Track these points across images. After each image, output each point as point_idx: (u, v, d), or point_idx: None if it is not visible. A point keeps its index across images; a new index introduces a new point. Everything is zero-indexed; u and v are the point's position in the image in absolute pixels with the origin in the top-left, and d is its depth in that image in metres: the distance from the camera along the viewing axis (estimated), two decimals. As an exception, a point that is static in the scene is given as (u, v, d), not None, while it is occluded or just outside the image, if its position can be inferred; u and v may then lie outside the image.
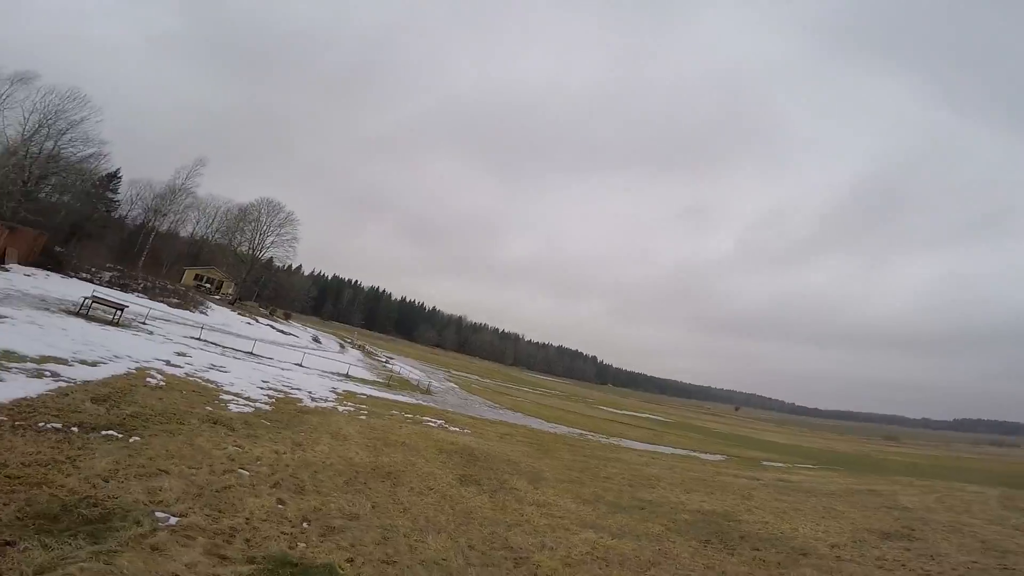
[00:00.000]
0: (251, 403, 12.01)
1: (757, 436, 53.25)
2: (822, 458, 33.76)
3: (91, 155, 36.92)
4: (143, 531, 4.50)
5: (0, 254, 22.65)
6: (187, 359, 15.73)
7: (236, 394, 12.59)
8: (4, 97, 31.13)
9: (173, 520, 4.95)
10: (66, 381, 9.20)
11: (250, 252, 58.65)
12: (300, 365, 22.77)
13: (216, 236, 63.07)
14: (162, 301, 30.33)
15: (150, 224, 51.31)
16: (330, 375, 22.48)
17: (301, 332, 47.84)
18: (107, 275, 30.69)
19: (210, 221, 63.35)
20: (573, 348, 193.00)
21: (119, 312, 18.31)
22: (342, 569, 4.58)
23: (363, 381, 23.54)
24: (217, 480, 6.35)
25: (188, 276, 57.39)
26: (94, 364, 11.31)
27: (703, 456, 23.84)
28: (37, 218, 29.81)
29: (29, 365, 9.52)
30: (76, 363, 10.87)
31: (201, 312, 32.12)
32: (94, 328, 15.96)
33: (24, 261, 24.11)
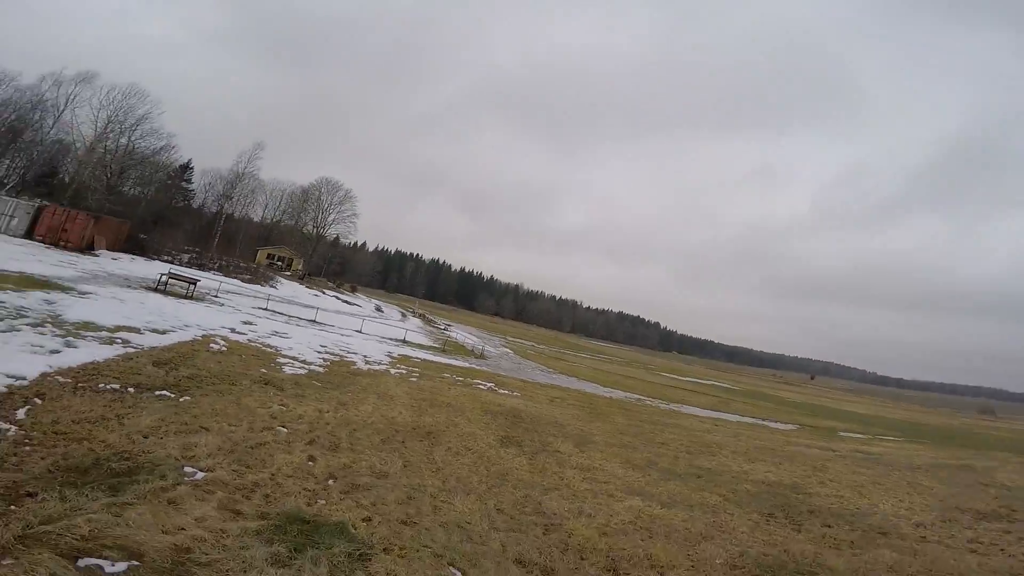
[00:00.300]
0: (306, 366, 12.41)
1: (834, 406, 49.77)
2: (907, 430, 30.84)
3: (162, 148, 40.02)
4: (165, 484, 4.53)
5: (89, 242, 25.03)
6: (252, 327, 16.61)
7: (293, 357, 13.08)
8: (72, 97, 33.87)
9: (200, 475, 4.98)
10: (134, 347, 9.82)
11: (315, 230, 61.46)
12: (360, 331, 23.58)
13: (284, 218, 66.64)
14: (235, 277, 32.56)
15: (222, 210, 54.90)
16: (388, 340, 23.12)
17: (365, 303, 49.92)
18: (186, 257, 33.29)
19: (277, 204, 66.90)
20: (634, 314, 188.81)
21: (192, 286, 19.66)
22: (355, 528, 4.39)
23: (419, 346, 24.04)
24: (254, 437, 6.43)
25: (261, 255, 61.63)
26: (163, 332, 12.06)
27: (773, 425, 22.38)
28: (120, 208, 32.74)
29: (103, 334, 10.25)
30: (147, 331, 11.63)
31: (271, 286, 34.16)
32: (169, 301, 17.23)
33: (111, 248, 26.57)
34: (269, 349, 13.49)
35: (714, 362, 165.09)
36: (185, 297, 18.79)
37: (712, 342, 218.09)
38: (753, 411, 27.93)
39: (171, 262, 29.64)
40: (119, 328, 11.04)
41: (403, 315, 49.18)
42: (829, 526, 7.22)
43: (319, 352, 15.01)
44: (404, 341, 24.23)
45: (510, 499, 6.06)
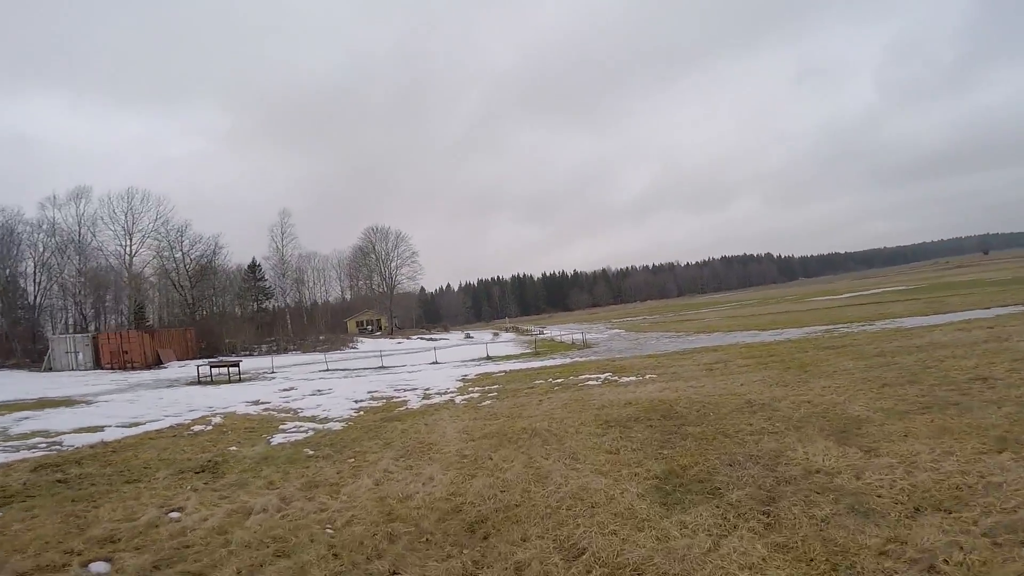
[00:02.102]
0: (319, 424, 8.29)
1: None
2: None
3: (214, 250, 39.29)
4: None
5: (155, 357, 23.89)
6: (288, 393, 13.00)
7: (309, 418, 9.06)
8: (82, 216, 32.86)
9: None
10: (55, 449, 6.90)
11: (383, 282, 60.16)
12: (434, 363, 19.45)
13: (361, 288, 66.44)
14: (314, 351, 30.65)
15: (299, 296, 54.93)
16: (468, 363, 18.67)
17: (454, 336, 46.87)
18: (264, 347, 32.07)
19: (349, 276, 66.98)
20: (740, 253, 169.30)
21: (234, 369, 16.80)
22: None
23: (506, 357, 19.28)
24: None
25: (351, 325, 61.59)
26: (137, 424, 8.84)
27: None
28: (201, 321, 32.09)
29: (34, 440, 7.56)
30: (113, 427, 8.83)
31: (351, 348, 32.00)
32: (198, 390, 14.40)
33: (182, 357, 25.43)
34: (282, 415, 9.52)
35: (856, 273, 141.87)
36: (227, 382, 15.91)
37: (840, 254, 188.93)
38: (991, 300, 19.20)
39: (249, 355, 28.19)
40: (77, 430, 8.47)
41: (495, 334, 45.09)
42: None
43: (359, 401, 10.80)
44: (487, 357, 19.63)
45: None
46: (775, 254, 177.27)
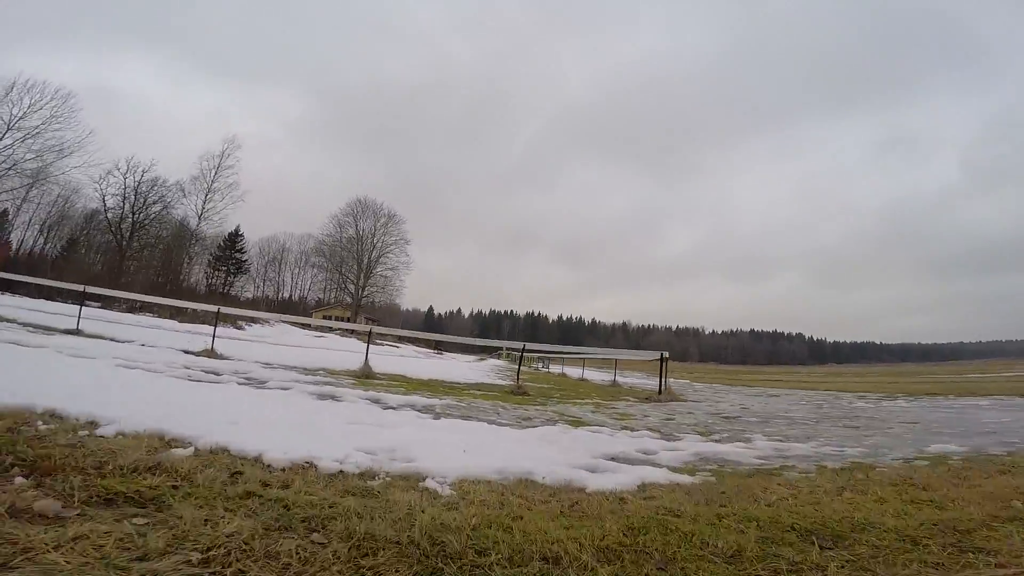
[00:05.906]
0: None
1: None
2: None
3: (170, 199, 34.58)
4: None
5: None
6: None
7: None
8: None
9: None
10: None
11: (360, 267, 48.08)
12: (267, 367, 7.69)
13: (327, 277, 55.79)
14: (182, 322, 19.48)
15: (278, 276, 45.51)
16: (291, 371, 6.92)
17: (407, 348, 34.99)
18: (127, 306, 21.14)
19: (327, 259, 56.27)
20: (771, 329, 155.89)
21: None
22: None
23: (415, 386, 7.48)
24: None
25: (316, 317, 51.22)
26: None
27: None
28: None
29: None
30: None
31: (236, 328, 20.77)
32: None
33: None
34: None
35: (893, 365, 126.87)
36: None
37: (875, 343, 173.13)
38: None
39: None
40: None
41: (481, 359, 33.26)
42: None
43: None
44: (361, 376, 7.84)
45: None
46: (807, 335, 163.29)
